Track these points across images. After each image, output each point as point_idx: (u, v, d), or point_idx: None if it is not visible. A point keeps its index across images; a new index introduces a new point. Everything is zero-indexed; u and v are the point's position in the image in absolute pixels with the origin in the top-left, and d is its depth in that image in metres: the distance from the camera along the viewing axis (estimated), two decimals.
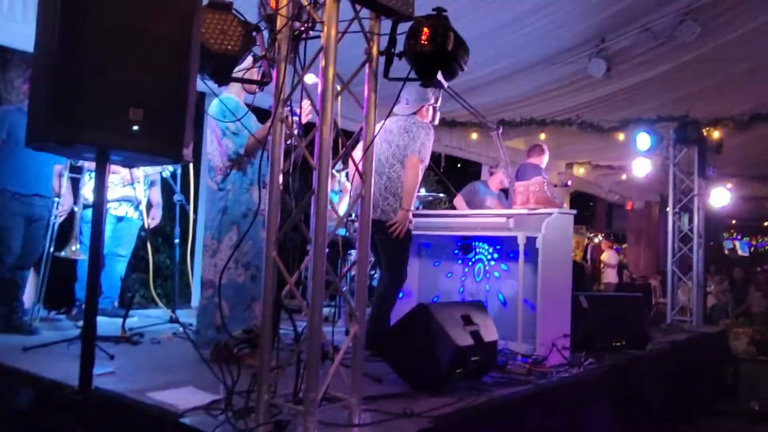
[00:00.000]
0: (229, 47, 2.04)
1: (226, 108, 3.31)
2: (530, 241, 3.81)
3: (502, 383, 3.16)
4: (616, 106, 7.58)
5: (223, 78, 2.18)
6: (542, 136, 7.79)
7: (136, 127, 1.57)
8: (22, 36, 4.37)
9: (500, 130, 4.30)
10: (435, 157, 8.84)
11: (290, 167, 2.39)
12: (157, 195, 4.67)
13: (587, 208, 14.99)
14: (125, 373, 3.00)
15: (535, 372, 3.43)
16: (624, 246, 15.87)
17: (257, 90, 3.36)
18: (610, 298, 4.92)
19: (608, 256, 11.59)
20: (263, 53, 2.26)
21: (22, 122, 3.84)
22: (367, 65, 2.39)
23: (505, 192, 6.12)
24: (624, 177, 11.09)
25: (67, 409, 2.31)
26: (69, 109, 1.51)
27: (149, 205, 4.60)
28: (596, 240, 12.54)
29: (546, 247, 3.76)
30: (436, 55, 2.22)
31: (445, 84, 2.36)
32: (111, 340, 3.65)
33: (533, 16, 5.74)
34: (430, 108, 4.14)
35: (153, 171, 4.42)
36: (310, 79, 2.91)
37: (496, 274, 4.38)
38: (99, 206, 1.80)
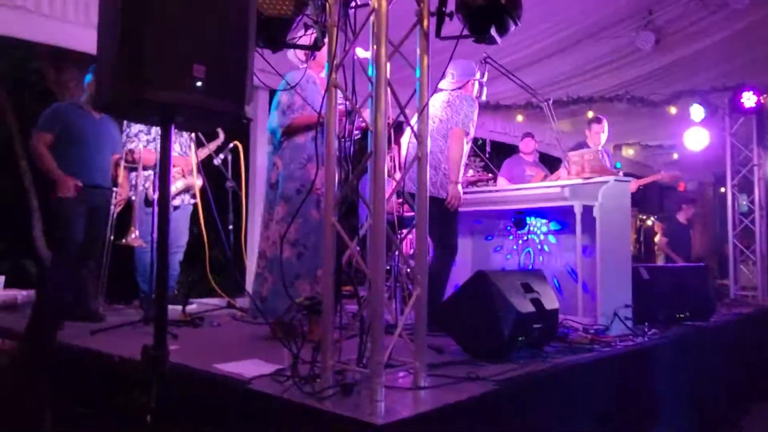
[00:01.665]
0: (282, 11, 2.06)
1: (285, 81, 3.33)
2: (587, 211, 3.73)
3: (565, 352, 3.10)
4: (667, 80, 7.35)
5: (277, 43, 2.20)
6: (590, 114, 7.62)
7: (199, 84, 1.59)
8: (77, 36, 4.54)
9: (551, 101, 4.22)
10: (480, 143, 8.79)
11: (345, 133, 2.39)
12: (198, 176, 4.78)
13: (637, 191, 14.58)
14: (189, 350, 3.05)
15: (598, 342, 3.36)
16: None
17: (307, 62, 3.39)
18: (672, 270, 4.77)
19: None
20: (315, 19, 2.26)
21: (77, 117, 4.05)
22: (418, 26, 2.38)
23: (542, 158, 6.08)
24: (675, 156, 10.78)
25: (137, 385, 2.37)
26: (135, 67, 1.54)
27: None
28: (649, 222, 12.19)
29: (603, 216, 3.68)
30: (488, 9, 2.19)
31: (499, 40, 2.33)
32: (173, 324, 3.73)
33: None
34: (476, 83, 4.10)
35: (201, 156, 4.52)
36: (361, 53, 2.92)
37: (546, 248, 4.32)
38: (164, 169, 1.83)
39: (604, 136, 5.77)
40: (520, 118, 8.31)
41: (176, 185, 4.43)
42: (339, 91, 2.38)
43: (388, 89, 2.28)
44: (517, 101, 7.88)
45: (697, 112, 6.90)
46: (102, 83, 1.63)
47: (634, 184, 5.78)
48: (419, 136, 2.38)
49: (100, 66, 1.65)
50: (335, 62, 2.33)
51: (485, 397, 2.30)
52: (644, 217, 12.51)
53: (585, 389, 2.90)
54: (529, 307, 2.93)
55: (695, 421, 3.72)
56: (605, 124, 5.77)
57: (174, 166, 4.44)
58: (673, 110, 7.33)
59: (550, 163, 7.39)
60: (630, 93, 7.39)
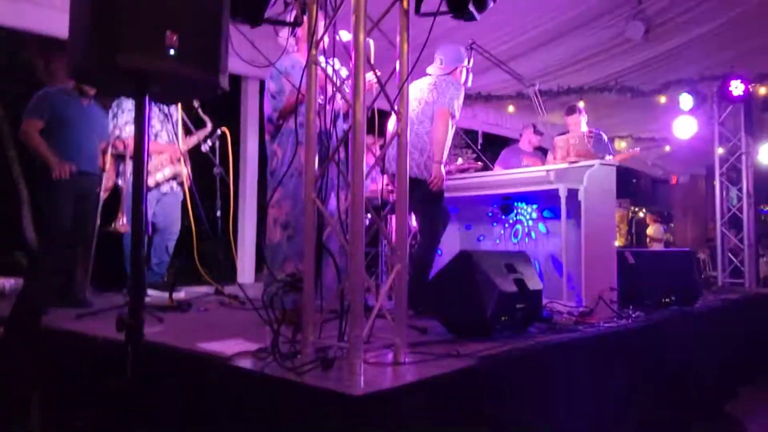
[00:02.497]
0: None
1: (275, 70, 3.33)
2: (572, 195, 3.75)
3: (548, 332, 3.12)
4: (657, 70, 7.38)
5: (255, 19, 2.20)
6: (581, 104, 7.64)
7: (172, 51, 1.59)
8: (65, 24, 4.53)
9: (537, 86, 4.23)
10: (472, 135, 8.80)
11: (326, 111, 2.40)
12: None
13: (630, 184, 14.66)
14: (174, 331, 3.06)
15: (581, 324, 3.38)
16: (671, 225, 15.46)
17: (297, 45, 3.40)
18: (658, 254, 4.80)
19: (654, 230, 11.30)
20: None
21: (65, 102, 4.04)
22: (398, 3, 2.38)
23: (542, 151, 6.06)
24: (668, 148, 10.81)
25: (119, 363, 2.37)
26: (107, 34, 1.55)
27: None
28: (640, 214, 12.25)
29: (588, 199, 3.70)
30: None
31: (478, 16, 2.33)
32: (159, 309, 3.73)
33: None
34: (464, 70, 4.11)
35: (194, 143, 4.53)
36: (345, 36, 2.92)
37: (533, 235, 4.33)
38: (139, 145, 1.83)
39: (584, 123, 5.67)
40: (511, 108, 8.33)
41: (164, 172, 4.45)
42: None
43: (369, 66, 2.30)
44: (508, 92, 7.88)
45: (685, 100, 6.93)
46: (75, 51, 1.63)
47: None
48: (399, 113, 2.39)
49: (73, 34, 1.65)
50: (315, 39, 2.34)
51: (465, 372, 2.31)
52: (636, 208, 12.58)
53: (567, 368, 2.92)
54: (512, 287, 2.94)
55: (680, 403, 3.74)
56: (583, 110, 5.66)
57: (161, 153, 4.45)
58: (662, 99, 7.36)
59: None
60: (620, 83, 7.41)
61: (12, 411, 3.21)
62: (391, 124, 4.23)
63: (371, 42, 2.66)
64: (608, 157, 5.39)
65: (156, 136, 4.47)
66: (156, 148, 4.42)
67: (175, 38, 1.60)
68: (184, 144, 4.43)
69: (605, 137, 5.73)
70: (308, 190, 2.33)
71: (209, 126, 4.58)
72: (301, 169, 3.35)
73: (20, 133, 4.00)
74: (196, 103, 4.46)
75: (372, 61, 2.54)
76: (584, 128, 5.61)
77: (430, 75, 3.96)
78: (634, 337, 3.45)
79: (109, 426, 2.57)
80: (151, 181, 4.36)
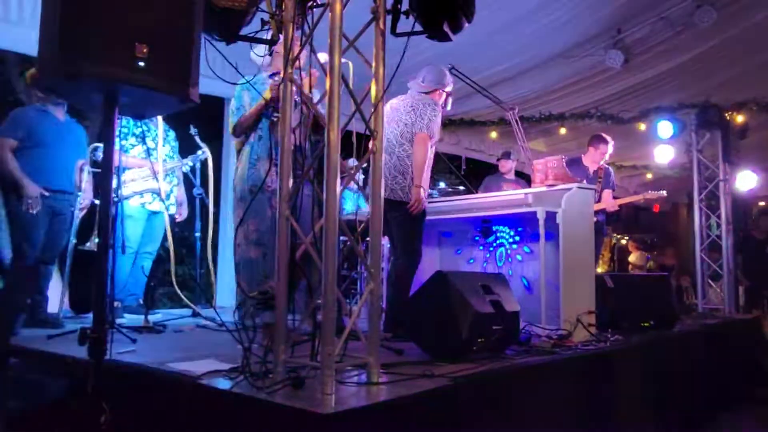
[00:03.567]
0: (236, 3, 2.07)
1: (237, 87, 3.35)
2: (550, 217, 3.76)
3: (525, 354, 3.09)
4: (636, 99, 7.51)
5: (230, 35, 2.20)
6: (562, 131, 7.73)
7: (142, 63, 1.59)
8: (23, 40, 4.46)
9: (516, 111, 4.28)
10: (456, 160, 8.85)
11: (300, 127, 2.40)
12: (181, 193, 4.74)
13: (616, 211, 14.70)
14: (146, 352, 3.01)
15: (559, 346, 3.36)
16: (654, 253, 15.55)
17: (271, 64, 3.42)
18: (637, 278, 4.81)
19: (636, 257, 11.38)
20: (270, 13, 2.28)
21: (41, 120, 4.01)
22: (374, 23, 2.40)
23: (523, 177, 6.13)
24: (649, 176, 10.93)
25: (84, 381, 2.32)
26: (77, 42, 1.54)
27: (178, 203, 4.68)
28: (623, 241, 12.33)
29: (567, 222, 3.71)
30: (441, 3, 2.22)
31: (452, 36, 2.36)
32: (134, 330, 3.67)
33: (546, 9, 5.74)
34: (444, 94, 4.13)
35: (175, 166, 4.49)
36: (322, 57, 2.94)
37: (519, 257, 4.33)
38: (108, 158, 1.81)
39: (608, 154, 5.81)
40: (494, 135, 8.40)
41: (141, 184, 4.38)
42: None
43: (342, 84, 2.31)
44: (491, 117, 7.97)
45: (664, 128, 7.03)
46: (43, 60, 1.62)
47: (614, 204, 5.85)
48: (374, 131, 2.39)
49: (42, 44, 1.64)
50: (291, 56, 2.35)
51: (437, 392, 2.28)
52: (618, 236, 12.64)
53: (544, 390, 2.89)
54: (488, 308, 2.93)
55: (660, 427, 3.72)
56: (611, 142, 5.77)
57: (141, 167, 4.38)
58: (642, 127, 7.47)
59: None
60: (600, 110, 7.52)
61: None
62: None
63: (350, 64, 2.68)
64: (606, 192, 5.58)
65: (147, 153, 4.45)
66: (136, 162, 4.40)
67: (145, 50, 1.60)
68: (165, 163, 4.41)
69: (612, 172, 5.90)
70: (282, 207, 2.32)
71: (205, 154, 4.59)
72: (261, 185, 3.38)
73: None
74: (192, 130, 4.48)
75: (351, 83, 2.55)
76: (603, 161, 5.76)
77: (409, 90, 3.98)
78: (612, 360, 3.44)
79: None
80: (126, 191, 4.27)
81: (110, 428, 2.15)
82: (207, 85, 4.47)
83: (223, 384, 2.24)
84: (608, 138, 5.74)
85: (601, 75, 7.03)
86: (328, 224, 2.16)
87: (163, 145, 4.54)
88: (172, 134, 4.72)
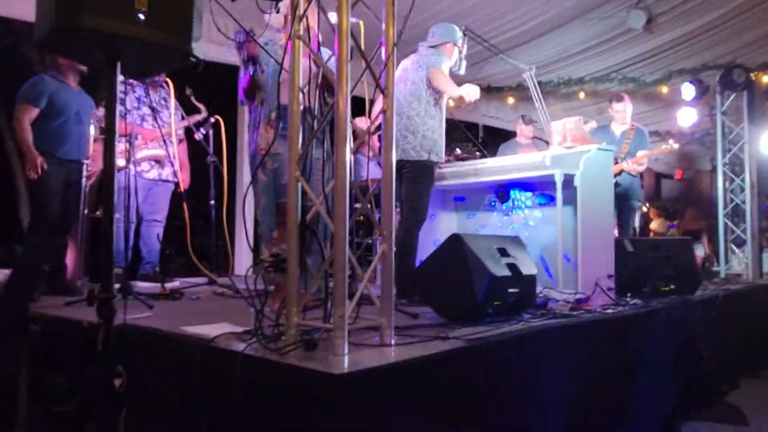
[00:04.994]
0: None
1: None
2: (568, 180, 3.68)
3: (542, 317, 3.05)
4: (659, 61, 7.30)
5: None
6: (581, 95, 7.57)
7: (142, 16, 1.54)
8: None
9: (533, 71, 4.16)
10: (473, 128, 8.73)
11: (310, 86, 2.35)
12: (183, 153, 4.72)
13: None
14: (162, 317, 3.02)
15: (578, 310, 3.31)
16: (676, 221, 15.29)
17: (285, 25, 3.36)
18: (657, 242, 4.71)
19: (658, 224, 11.20)
20: None
21: (59, 89, 4.00)
22: None
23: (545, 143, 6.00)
24: (671, 142, 10.69)
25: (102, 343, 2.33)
26: None
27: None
28: (644, 208, 12.13)
29: (585, 184, 3.63)
30: None
31: None
32: (151, 297, 3.69)
33: None
34: (456, 49, 4.01)
35: (179, 127, 4.48)
36: (333, 17, 2.87)
37: (531, 223, 4.27)
38: (111, 120, 1.78)
39: (629, 111, 5.61)
40: (511, 100, 8.26)
41: (139, 155, 4.33)
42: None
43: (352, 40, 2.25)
44: (508, 83, 7.82)
45: (687, 90, 6.84)
46: (41, 13, 1.58)
47: (637, 161, 5.48)
48: (385, 89, 2.33)
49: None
50: (298, 14, 2.28)
51: (452, 354, 2.25)
52: (639, 203, 12.44)
53: (561, 354, 2.85)
54: (505, 271, 2.88)
55: (680, 389, 3.67)
56: (627, 98, 5.60)
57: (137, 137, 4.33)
58: (664, 90, 7.28)
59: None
60: (622, 74, 7.33)
61: None
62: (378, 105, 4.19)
63: (361, 24, 2.61)
64: (640, 152, 5.37)
65: (142, 119, 4.43)
66: (136, 131, 4.36)
67: (144, 2, 1.55)
68: (168, 127, 4.40)
69: (647, 133, 5.68)
70: (292, 168, 2.28)
71: (203, 113, 4.53)
72: (267, 149, 3.32)
73: (14, 119, 3.95)
74: (188, 91, 4.43)
75: (362, 43, 2.48)
76: (629, 119, 5.59)
77: (419, 49, 3.90)
78: (632, 323, 3.38)
79: (95, 410, 2.53)
80: (121, 162, 4.24)
81: (126, 392, 2.16)
82: (220, 52, 4.47)
83: (236, 346, 2.23)
84: (622, 94, 5.57)
85: (622, 37, 6.84)
86: (338, 185, 2.12)
87: (161, 110, 4.51)
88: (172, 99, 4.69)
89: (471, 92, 3.61)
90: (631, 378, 3.32)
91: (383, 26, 2.36)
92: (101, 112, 4.26)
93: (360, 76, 2.33)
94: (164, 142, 4.33)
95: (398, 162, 3.36)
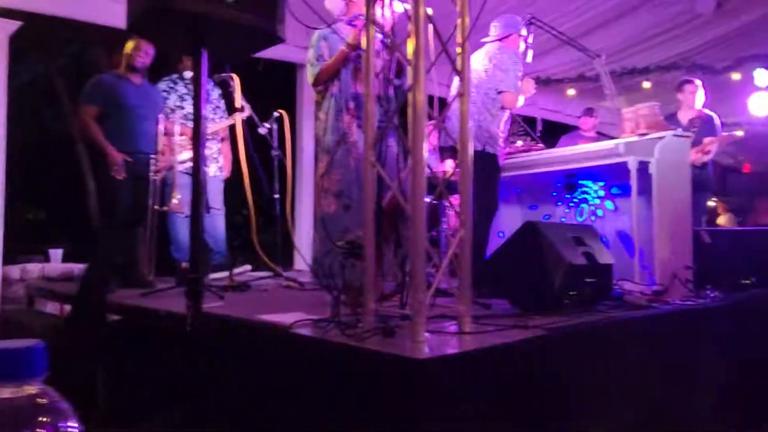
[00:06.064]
0: None
1: (314, 37, 3.30)
2: (643, 168, 3.55)
3: (620, 309, 2.95)
4: (730, 47, 7.00)
5: None
6: (646, 85, 7.32)
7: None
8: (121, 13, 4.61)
9: (603, 57, 4.04)
10: (531, 122, 8.57)
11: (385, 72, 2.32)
12: (227, 150, 4.80)
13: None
14: (235, 306, 3.05)
15: (655, 302, 3.19)
16: (744, 218, 14.67)
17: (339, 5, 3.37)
18: (737, 233, 4.50)
19: (726, 219, 10.78)
20: None
21: (118, 85, 4.11)
22: None
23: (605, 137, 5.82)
24: (740, 133, 10.25)
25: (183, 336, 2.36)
26: None
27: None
28: (710, 203, 11.69)
29: (660, 172, 3.50)
30: None
31: None
32: (219, 288, 3.74)
33: None
34: (521, 41, 3.95)
35: (222, 127, 4.57)
36: (398, 7, 2.85)
37: (600, 212, 4.14)
38: (197, 109, 1.79)
39: (699, 97, 5.36)
40: (571, 92, 8.06)
41: (182, 156, 4.37)
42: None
43: (429, 24, 2.21)
44: (569, 74, 7.64)
45: (761, 76, 6.53)
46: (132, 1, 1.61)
47: (704, 148, 5.15)
48: (460, 72, 2.29)
49: None
50: None
51: (532, 342, 2.19)
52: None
53: (639, 346, 2.75)
54: (581, 260, 2.80)
55: (757, 394, 3.49)
56: (698, 83, 5.35)
57: (181, 135, 4.38)
58: (736, 76, 6.96)
59: None
60: (690, 61, 7.06)
61: (78, 386, 3.27)
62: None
63: (430, 11, 2.57)
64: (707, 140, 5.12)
65: (185, 117, 4.50)
66: (182, 130, 4.41)
67: None
68: (215, 125, 4.47)
69: (717, 121, 5.38)
70: (367, 153, 2.26)
71: (246, 110, 4.55)
72: (346, 136, 3.32)
73: (78, 120, 4.09)
74: (231, 87, 4.48)
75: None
76: (698, 105, 5.35)
77: (484, 45, 3.85)
78: (714, 317, 3.24)
79: (172, 397, 2.58)
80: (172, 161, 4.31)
81: (205, 377, 2.18)
82: (278, 50, 4.51)
83: (315, 332, 2.23)
84: (692, 78, 5.31)
85: (689, 23, 6.58)
86: (416, 168, 2.09)
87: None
88: (215, 93, 4.75)
89: (526, 91, 3.70)
90: (709, 376, 3.17)
91: (457, 9, 2.32)
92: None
93: (437, 56, 2.29)
94: (209, 140, 4.43)
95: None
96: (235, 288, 3.86)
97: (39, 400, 0.64)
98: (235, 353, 2.51)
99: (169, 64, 4.88)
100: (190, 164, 4.38)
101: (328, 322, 2.29)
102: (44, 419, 0.62)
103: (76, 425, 0.65)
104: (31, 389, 0.64)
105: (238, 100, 4.31)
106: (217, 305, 3.04)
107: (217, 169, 4.68)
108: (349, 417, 2.00)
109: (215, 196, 4.67)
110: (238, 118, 4.41)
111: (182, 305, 2.69)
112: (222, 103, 4.81)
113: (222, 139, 4.84)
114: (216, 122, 4.68)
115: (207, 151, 4.50)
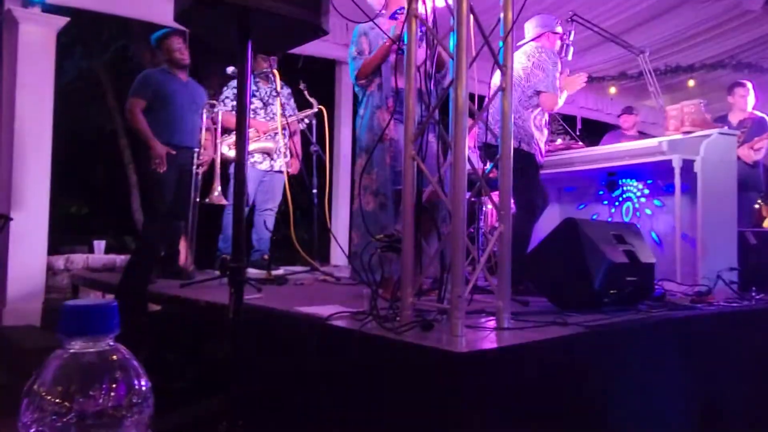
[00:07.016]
0: None
1: (355, 33, 3.31)
2: (687, 166, 3.47)
3: (662, 309, 2.89)
4: None
5: None
6: (690, 83, 7.15)
7: None
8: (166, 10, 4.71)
9: (647, 53, 3.96)
10: (571, 120, 8.45)
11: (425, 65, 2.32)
12: (296, 145, 4.82)
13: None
14: (273, 298, 3.09)
15: (699, 302, 3.12)
16: None
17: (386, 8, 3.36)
18: None
19: None
20: None
21: (166, 81, 4.20)
22: None
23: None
24: None
25: (222, 326, 2.40)
26: None
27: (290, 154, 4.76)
28: (756, 205, 11.36)
29: (705, 171, 3.42)
30: None
31: None
32: (257, 282, 3.79)
33: None
34: (557, 39, 3.90)
35: (292, 120, 4.56)
36: (440, 2, 2.84)
37: (648, 211, 4.06)
38: (241, 102, 1.82)
39: (751, 100, 5.29)
40: (612, 90, 7.93)
41: (251, 147, 4.42)
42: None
43: (471, 17, 2.20)
44: (610, 73, 7.51)
45: None
46: None
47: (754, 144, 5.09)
48: (503, 66, 2.27)
49: None
50: None
51: (571, 339, 2.16)
52: None
53: (683, 347, 2.69)
54: (622, 258, 2.75)
55: None
56: (749, 86, 5.29)
57: (251, 128, 4.45)
58: None
59: None
60: (736, 59, 6.87)
61: None
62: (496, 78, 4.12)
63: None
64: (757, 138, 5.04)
65: (254, 112, 4.54)
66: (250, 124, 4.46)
67: None
68: (281, 120, 4.49)
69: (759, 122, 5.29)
70: (407, 148, 2.26)
71: (315, 108, 4.60)
72: (383, 134, 3.32)
73: (125, 111, 4.19)
74: (302, 85, 4.53)
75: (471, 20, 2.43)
76: (750, 108, 5.27)
77: (521, 47, 3.82)
78: (759, 320, 3.15)
79: (210, 386, 2.62)
80: (231, 153, 4.36)
81: (243, 366, 2.21)
82: (318, 46, 4.51)
83: (353, 325, 2.24)
84: (744, 81, 5.21)
85: (737, 20, 6.41)
86: (456, 162, 2.08)
87: (272, 103, 4.62)
88: (286, 91, 4.79)
89: (575, 86, 3.65)
90: (755, 379, 3.08)
91: (501, 2, 2.30)
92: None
93: (479, 50, 2.28)
94: (276, 134, 4.45)
95: (495, 147, 3.30)
96: (272, 281, 3.90)
97: (111, 357, 0.65)
98: (273, 343, 2.54)
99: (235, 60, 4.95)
100: (251, 157, 4.47)
101: (365, 315, 2.30)
102: (117, 374, 0.64)
103: (147, 383, 0.66)
104: (103, 345, 0.65)
105: (282, 97, 4.36)
106: (255, 297, 3.08)
107: (282, 164, 4.70)
108: (384, 408, 2.00)
109: (273, 190, 4.70)
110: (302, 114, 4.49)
111: (221, 296, 2.75)
112: (291, 101, 4.84)
113: (293, 133, 4.85)
114: (290, 117, 4.68)
115: (274, 146, 4.54)
